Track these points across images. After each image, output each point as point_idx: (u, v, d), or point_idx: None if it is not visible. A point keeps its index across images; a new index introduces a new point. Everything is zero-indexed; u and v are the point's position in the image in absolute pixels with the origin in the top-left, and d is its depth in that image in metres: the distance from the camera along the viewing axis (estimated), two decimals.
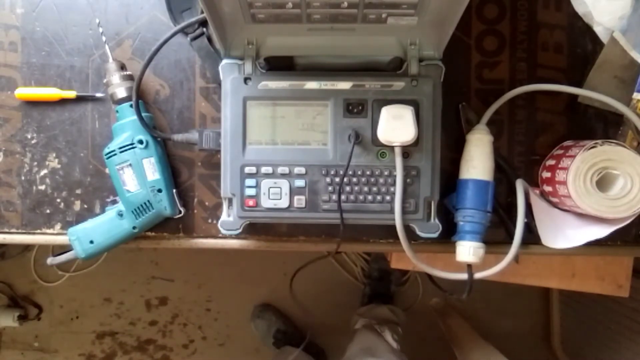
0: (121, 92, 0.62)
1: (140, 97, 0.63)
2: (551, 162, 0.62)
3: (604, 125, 0.65)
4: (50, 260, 0.67)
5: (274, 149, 0.59)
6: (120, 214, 0.63)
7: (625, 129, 0.63)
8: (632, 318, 1.15)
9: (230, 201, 0.60)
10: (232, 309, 1.66)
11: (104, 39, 0.64)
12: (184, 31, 0.63)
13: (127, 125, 0.62)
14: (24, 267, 1.64)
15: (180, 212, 0.64)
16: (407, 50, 0.59)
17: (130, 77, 0.63)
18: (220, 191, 0.61)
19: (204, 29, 0.63)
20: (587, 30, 0.61)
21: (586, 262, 0.97)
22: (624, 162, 0.56)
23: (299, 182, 0.59)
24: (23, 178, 0.67)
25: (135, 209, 0.62)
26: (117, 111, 0.63)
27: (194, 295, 1.67)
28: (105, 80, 0.63)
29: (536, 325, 1.62)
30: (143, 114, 0.61)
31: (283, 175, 0.59)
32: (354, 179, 0.59)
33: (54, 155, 0.67)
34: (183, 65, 0.66)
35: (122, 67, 0.63)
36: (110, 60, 0.63)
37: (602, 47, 0.59)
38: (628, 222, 0.58)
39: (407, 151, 0.58)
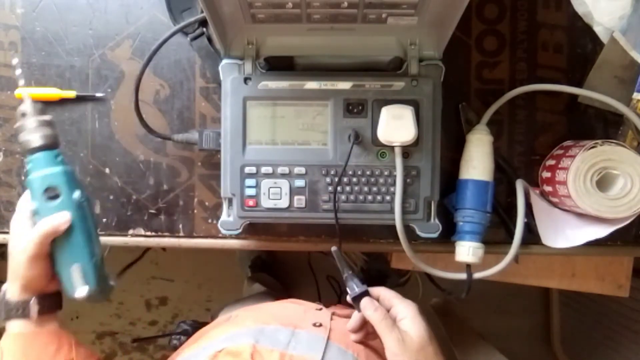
0: (36, 140, 0.52)
1: (140, 97, 0.63)
2: (551, 162, 0.62)
3: (604, 125, 0.65)
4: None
5: (274, 149, 0.59)
6: None
7: (625, 129, 0.63)
8: (632, 318, 1.15)
9: (230, 201, 0.60)
10: None
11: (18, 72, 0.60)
12: (183, 31, 0.63)
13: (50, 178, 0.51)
14: None
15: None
16: (407, 50, 0.59)
17: (49, 124, 0.53)
18: (220, 191, 0.61)
19: (204, 29, 0.63)
20: (587, 30, 0.61)
21: (586, 262, 0.97)
22: (624, 162, 0.56)
23: (299, 182, 0.59)
24: (23, 178, 0.67)
25: None
26: (29, 162, 0.52)
27: (194, 295, 1.67)
28: (16, 125, 0.52)
29: (536, 325, 1.62)
30: (61, 167, 0.52)
31: (283, 175, 0.59)
32: (354, 179, 0.59)
33: None
34: (183, 65, 0.66)
35: (41, 111, 0.53)
36: (28, 102, 0.53)
37: (602, 47, 0.59)
38: (628, 222, 0.58)
39: (407, 151, 0.58)
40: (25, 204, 0.52)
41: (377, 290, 0.54)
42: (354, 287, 0.53)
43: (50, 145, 0.52)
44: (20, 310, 0.49)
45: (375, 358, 0.59)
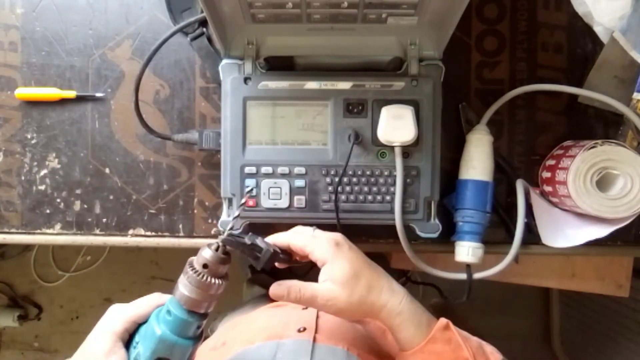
0: (197, 304, 0.44)
1: (140, 97, 0.63)
2: (551, 162, 0.62)
3: (604, 125, 0.65)
4: None
5: (274, 149, 0.59)
6: None
7: (625, 129, 0.63)
8: (632, 318, 1.15)
9: (230, 201, 0.60)
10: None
11: None
12: (183, 31, 0.63)
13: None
14: (24, 267, 1.64)
15: None
16: (407, 50, 0.59)
17: (220, 289, 0.45)
18: (220, 191, 0.61)
19: (204, 29, 0.63)
20: (587, 30, 0.61)
21: (586, 262, 0.97)
22: (624, 162, 0.56)
23: (299, 182, 0.59)
24: (23, 178, 0.67)
25: None
26: (170, 309, 0.44)
27: None
28: (191, 269, 0.44)
29: (536, 325, 1.62)
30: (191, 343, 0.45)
31: (283, 175, 0.59)
32: (354, 179, 0.59)
33: (54, 155, 0.67)
34: (183, 65, 0.66)
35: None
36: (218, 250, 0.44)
37: (602, 47, 0.59)
38: (628, 222, 0.58)
39: (407, 151, 0.58)
40: (122, 322, 0.46)
41: (285, 241, 0.50)
42: (256, 256, 0.47)
43: (202, 315, 0.44)
44: None
45: (370, 339, 0.59)
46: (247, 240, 0.47)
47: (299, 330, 0.57)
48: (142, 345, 0.44)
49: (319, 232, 0.52)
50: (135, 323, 0.47)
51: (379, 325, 0.68)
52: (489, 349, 0.53)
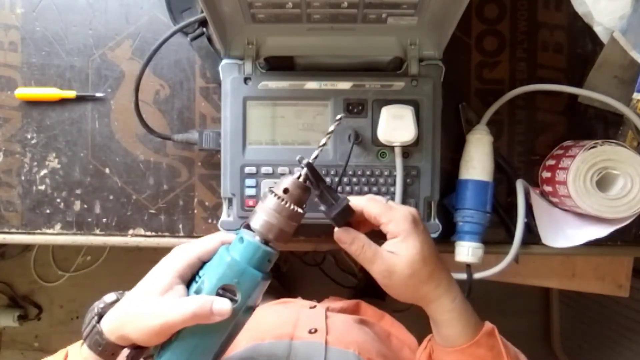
0: (273, 230, 0.43)
1: (140, 97, 0.63)
2: (551, 162, 0.62)
3: (604, 125, 0.65)
4: None
5: (274, 149, 0.59)
6: None
7: (625, 129, 0.63)
8: (632, 318, 1.15)
9: (230, 201, 0.60)
10: None
11: None
12: (184, 31, 0.63)
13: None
14: (24, 267, 1.64)
15: None
16: (407, 50, 0.59)
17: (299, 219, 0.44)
18: (220, 191, 0.61)
19: (204, 29, 0.63)
20: (587, 30, 0.61)
21: (586, 262, 0.97)
22: (624, 162, 0.56)
23: None
24: (23, 178, 0.67)
25: None
26: (242, 236, 0.43)
27: None
28: (272, 197, 0.43)
29: (536, 325, 1.62)
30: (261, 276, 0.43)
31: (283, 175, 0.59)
32: (354, 179, 0.59)
33: (54, 155, 0.67)
34: (183, 65, 0.66)
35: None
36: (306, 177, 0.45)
37: (602, 47, 0.59)
38: (628, 222, 0.58)
39: (407, 151, 0.58)
40: (195, 252, 0.44)
41: (359, 205, 0.48)
42: (331, 203, 0.46)
43: (274, 249, 0.43)
44: (106, 351, 0.42)
45: (377, 343, 0.59)
46: (322, 187, 0.46)
47: (310, 332, 0.57)
48: (207, 276, 0.41)
49: (392, 203, 0.50)
50: (199, 260, 0.44)
51: (383, 327, 0.68)
52: (523, 357, 0.53)
